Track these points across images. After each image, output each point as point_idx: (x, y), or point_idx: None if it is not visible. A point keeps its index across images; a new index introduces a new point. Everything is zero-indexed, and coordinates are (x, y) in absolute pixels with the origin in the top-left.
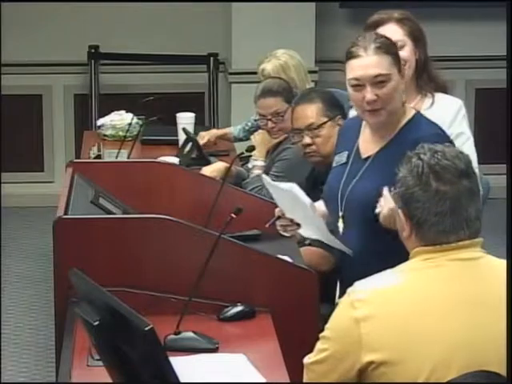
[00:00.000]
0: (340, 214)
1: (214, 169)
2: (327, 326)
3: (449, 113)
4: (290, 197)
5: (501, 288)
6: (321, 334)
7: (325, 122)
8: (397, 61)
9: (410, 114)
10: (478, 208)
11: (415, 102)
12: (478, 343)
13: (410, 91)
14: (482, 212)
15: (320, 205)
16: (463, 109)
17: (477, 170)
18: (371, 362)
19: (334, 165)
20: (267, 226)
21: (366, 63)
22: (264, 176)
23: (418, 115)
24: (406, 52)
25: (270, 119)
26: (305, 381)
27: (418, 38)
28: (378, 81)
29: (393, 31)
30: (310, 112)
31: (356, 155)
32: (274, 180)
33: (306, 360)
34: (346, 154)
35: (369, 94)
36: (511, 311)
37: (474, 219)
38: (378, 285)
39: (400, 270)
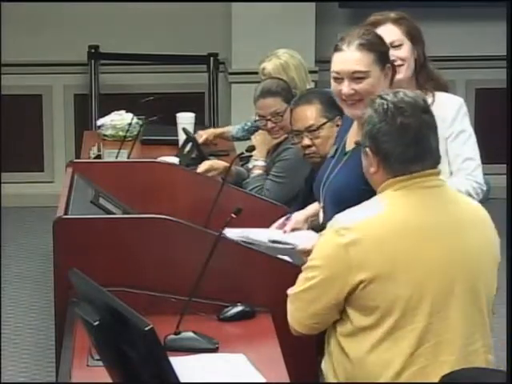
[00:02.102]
0: (321, 204)
1: (211, 165)
2: (312, 256)
3: (450, 111)
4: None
5: (465, 212)
6: (304, 266)
7: (324, 123)
8: (381, 59)
9: None
10: (437, 140)
11: None
12: (462, 260)
13: (411, 90)
14: (439, 145)
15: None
16: (464, 106)
17: (480, 167)
18: (361, 281)
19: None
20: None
21: (346, 58)
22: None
23: None
24: (404, 51)
25: (269, 119)
26: (289, 311)
27: (415, 37)
28: (356, 77)
29: (390, 31)
30: (310, 113)
31: (342, 149)
32: (273, 180)
33: (291, 291)
34: (335, 147)
35: (345, 87)
36: (511, 308)
37: (434, 149)
38: (360, 216)
39: (376, 201)
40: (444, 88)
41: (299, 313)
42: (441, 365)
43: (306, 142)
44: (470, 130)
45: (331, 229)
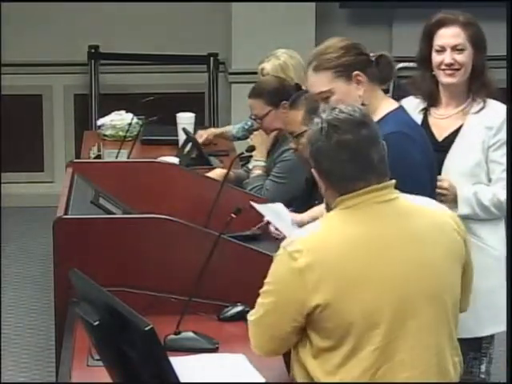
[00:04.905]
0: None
1: (215, 176)
2: (267, 280)
3: (496, 120)
4: (276, 213)
5: (421, 223)
6: (261, 290)
7: (304, 131)
8: (343, 70)
9: (382, 113)
10: (381, 153)
11: (464, 106)
12: (419, 273)
13: (461, 94)
14: (385, 157)
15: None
16: None
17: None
18: (318, 305)
19: None
20: (255, 228)
21: (309, 82)
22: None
23: (389, 115)
24: (464, 57)
25: (254, 119)
26: (250, 335)
27: (478, 45)
28: (324, 97)
29: (455, 34)
30: (294, 119)
31: None
32: (273, 180)
33: (250, 316)
34: None
35: (321, 105)
36: (511, 308)
37: (377, 163)
38: (310, 236)
39: (325, 220)
40: (494, 96)
41: (259, 337)
42: (406, 380)
43: (292, 145)
44: None
45: (284, 251)
